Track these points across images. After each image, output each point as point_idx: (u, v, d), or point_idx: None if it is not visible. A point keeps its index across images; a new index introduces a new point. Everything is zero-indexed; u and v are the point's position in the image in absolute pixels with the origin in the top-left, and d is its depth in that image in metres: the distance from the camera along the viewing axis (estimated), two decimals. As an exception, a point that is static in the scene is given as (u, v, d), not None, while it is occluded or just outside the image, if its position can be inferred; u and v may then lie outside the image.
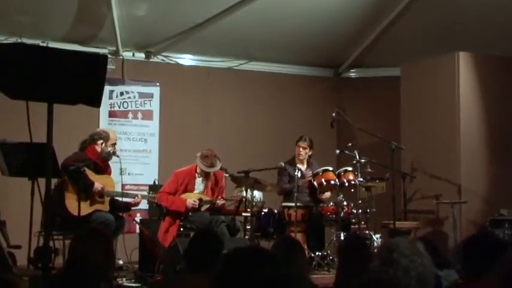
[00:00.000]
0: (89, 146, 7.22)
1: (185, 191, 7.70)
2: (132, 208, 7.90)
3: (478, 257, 3.40)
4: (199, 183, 7.81)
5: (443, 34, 9.48)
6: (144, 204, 8.62)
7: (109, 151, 7.29)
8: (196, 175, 7.78)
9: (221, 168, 7.84)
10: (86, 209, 6.87)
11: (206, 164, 7.64)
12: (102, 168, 7.27)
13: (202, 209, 7.66)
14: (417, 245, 3.09)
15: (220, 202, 7.73)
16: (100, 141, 7.24)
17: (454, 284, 3.64)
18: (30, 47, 4.52)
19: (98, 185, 6.99)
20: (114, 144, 7.38)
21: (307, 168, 8.57)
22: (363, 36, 9.94)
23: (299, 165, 8.44)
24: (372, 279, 2.26)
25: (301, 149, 8.59)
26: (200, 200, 7.63)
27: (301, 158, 8.59)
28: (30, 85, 4.16)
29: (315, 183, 8.18)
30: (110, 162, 7.54)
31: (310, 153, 8.64)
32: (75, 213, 6.72)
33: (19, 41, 8.11)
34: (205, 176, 7.76)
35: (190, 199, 7.58)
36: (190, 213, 7.60)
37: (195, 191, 7.76)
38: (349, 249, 4.58)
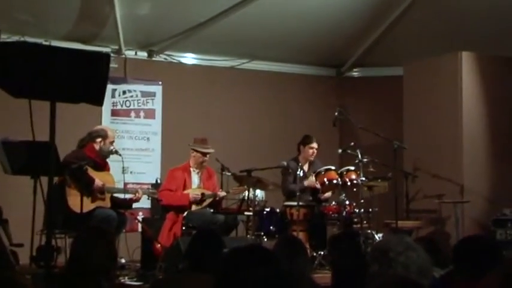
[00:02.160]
0: (87, 144, 7.22)
1: (184, 186, 7.79)
2: (134, 206, 7.92)
3: (471, 259, 3.46)
4: (195, 177, 7.95)
5: (446, 33, 9.48)
6: (146, 203, 8.63)
7: (111, 149, 7.29)
8: (192, 169, 7.89)
9: (223, 167, 7.91)
10: (87, 205, 6.86)
11: (204, 145, 7.82)
12: (101, 165, 7.28)
13: (206, 202, 7.72)
14: (406, 239, 3.10)
15: (222, 194, 7.81)
16: (98, 139, 7.24)
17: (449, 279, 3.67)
18: (33, 45, 4.54)
19: (98, 182, 7.00)
20: (112, 142, 7.38)
21: (309, 167, 8.57)
22: (366, 35, 9.94)
23: (302, 165, 8.46)
24: (394, 282, 2.22)
25: (314, 150, 8.56)
26: (203, 194, 7.69)
27: (312, 158, 8.59)
28: (32, 84, 4.17)
29: (317, 183, 8.21)
30: (112, 161, 7.54)
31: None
32: (77, 210, 6.71)
33: (22, 39, 8.11)
34: (201, 164, 7.88)
35: (193, 193, 7.67)
36: (192, 209, 7.63)
37: (192, 185, 7.87)
38: (339, 242, 4.62)
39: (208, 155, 7.92)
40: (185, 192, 7.74)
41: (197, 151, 7.89)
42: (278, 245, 4.46)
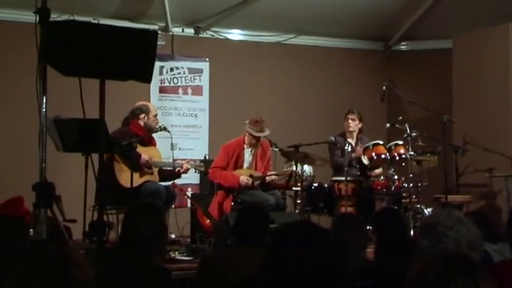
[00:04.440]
0: (131, 121, 7.29)
1: (236, 163, 7.69)
2: (183, 182, 8.00)
3: None
4: (248, 154, 7.80)
5: (496, 4, 9.27)
6: (195, 179, 8.69)
7: (160, 125, 7.36)
8: (245, 146, 7.79)
9: (270, 143, 7.84)
10: (136, 180, 6.96)
11: (256, 128, 7.63)
12: (147, 140, 7.36)
13: (255, 184, 7.68)
14: (455, 213, 3.07)
15: (271, 178, 7.75)
16: (142, 115, 7.31)
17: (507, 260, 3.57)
18: (81, 24, 4.58)
19: (144, 157, 7.08)
20: (156, 116, 7.44)
21: (356, 143, 8.51)
22: (414, 8, 9.79)
23: (349, 140, 8.42)
24: (445, 256, 2.16)
25: (350, 121, 8.52)
26: (251, 176, 7.65)
27: (350, 130, 8.53)
28: (82, 62, 4.23)
29: (365, 158, 8.14)
30: (161, 138, 7.63)
31: (360, 125, 8.56)
32: (127, 185, 6.81)
33: (71, 18, 8.19)
34: (254, 144, 7.73)
35: (244, 176, 7.61)
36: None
37: (245, 163, 7.77)
38: (382, 219, 4.64)
39: (261, 138, 7.72)
40: (236, 173, 7.65)
41: (249, 133, 7.70)
42: (336, 221, 4.49)
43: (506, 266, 3.27)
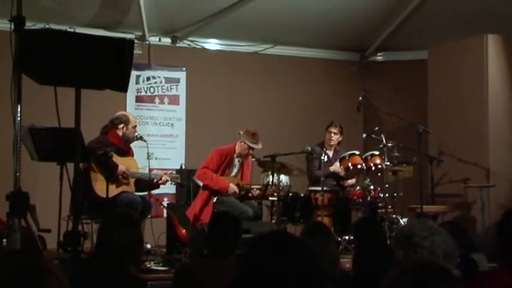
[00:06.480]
0: (110, 130, 7.27)
1: (224, 169, 7.69)
2: (159, 192, 7.96)
3: None
4: (236, 164, 7.82)
5: (471, 16, 9.36)
6: (171, 189, 8.66)
7: (136, 135, 7.35)
8: (235, 156, 7.79)
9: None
10: (112, 190, 6.91)
11: (254, 140, 7.64)
12: (125, 150, 7.33)
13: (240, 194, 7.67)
14: (430, 223, 3.08)
15: (256, 192, 7.73)
16: (121, 125, 7.28)
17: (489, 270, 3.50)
18: (57, 32, 4.57)
19: (121, 167, 7.04)
20: (135, 127, 7.42)
21: (334, 155, 8.54)
22: (390, 19, 9.85)
23: (327, 151, 8.44)
24: (420, 267, 2.13)
25: (332, 135, 8.55)
26: (238, 185, 7.63)
27: (331, 143, 8.56)
28: (58, 71, 4.21)
29: (342, 169, 8.19)
30: (137, 147, 7.60)
31: (340, 138, 8.61)
32: (103, 195, 6.77)
33: (46, 26, 8.14)
34: (245, 155, 7.75)
35: (233, 185, 7.60)
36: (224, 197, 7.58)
37: (231, 173, 7.80)
38: (362, 229, 4.66)
39: (254, 150, 7.75)
40: (227, 179, 7.64)
41: (246, 144, 7.69)
42: (305, 231, 4.48)
43: (490, 276, 3.24)
